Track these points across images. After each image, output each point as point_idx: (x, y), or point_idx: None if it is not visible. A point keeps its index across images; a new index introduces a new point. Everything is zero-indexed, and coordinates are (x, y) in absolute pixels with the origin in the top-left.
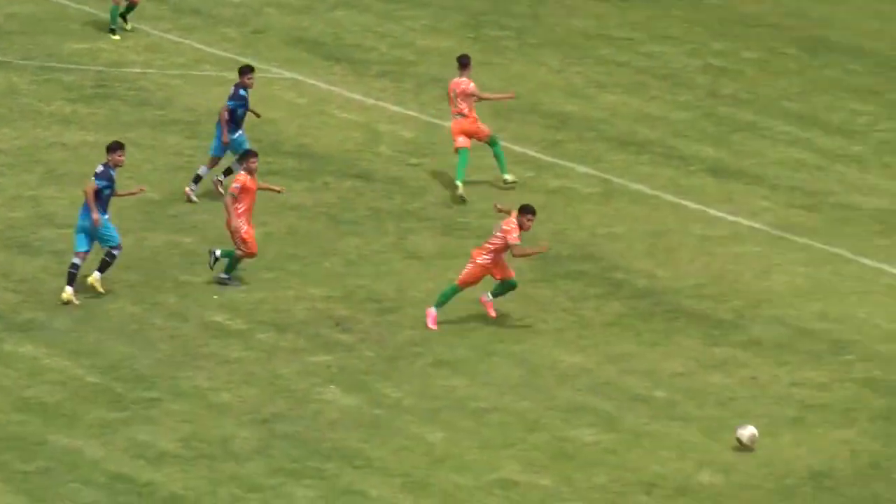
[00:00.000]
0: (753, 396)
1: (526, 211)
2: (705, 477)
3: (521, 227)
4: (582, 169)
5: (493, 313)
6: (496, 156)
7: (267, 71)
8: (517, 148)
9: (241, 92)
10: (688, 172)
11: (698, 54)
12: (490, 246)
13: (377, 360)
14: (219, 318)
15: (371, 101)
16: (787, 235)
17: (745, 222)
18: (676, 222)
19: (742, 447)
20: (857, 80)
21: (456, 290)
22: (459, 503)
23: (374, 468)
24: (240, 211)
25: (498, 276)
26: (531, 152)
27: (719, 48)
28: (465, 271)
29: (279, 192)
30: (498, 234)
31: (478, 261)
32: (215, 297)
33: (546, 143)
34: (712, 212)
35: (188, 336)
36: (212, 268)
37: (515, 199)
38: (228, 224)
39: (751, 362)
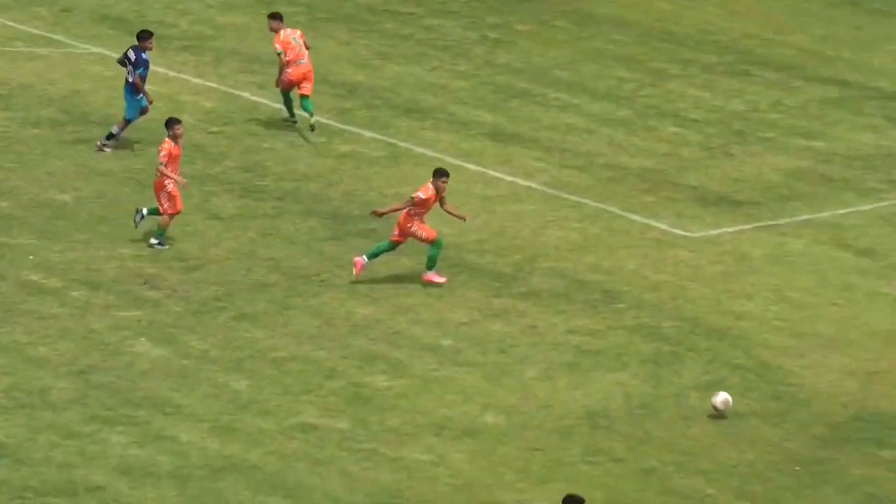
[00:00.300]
0: (533, 343)
1: (440, 174)
2: (489, 418)
3: (437, 190)
4: (370, 134)
5: (358, 271)
6: (306, 108)
7: (75, 47)
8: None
9: (143, 56)
10: (468, 137)
11: (475, 27)
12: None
13: (184, 315)
14: (35, 277)
15: (173, 74)
16: (561, 194)
17: (522, 182)
18: (459, 183)
19: (717, 413)
20: (622, 49)
21: (431, 243)
22: (263, 446)
23: (184, 414)
24: (171, 175)
25: (396, 237)
26: (322, 119)
27: (494, 21)
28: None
29: (183, 182)
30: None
31: (409, 229)
32: (31, 257)
33: (336, 111)
34: (492, 173)
35: (6, 294)
36: (136, 226)
37: (311, 164)
38: (162, 184)
39: (529, 312)
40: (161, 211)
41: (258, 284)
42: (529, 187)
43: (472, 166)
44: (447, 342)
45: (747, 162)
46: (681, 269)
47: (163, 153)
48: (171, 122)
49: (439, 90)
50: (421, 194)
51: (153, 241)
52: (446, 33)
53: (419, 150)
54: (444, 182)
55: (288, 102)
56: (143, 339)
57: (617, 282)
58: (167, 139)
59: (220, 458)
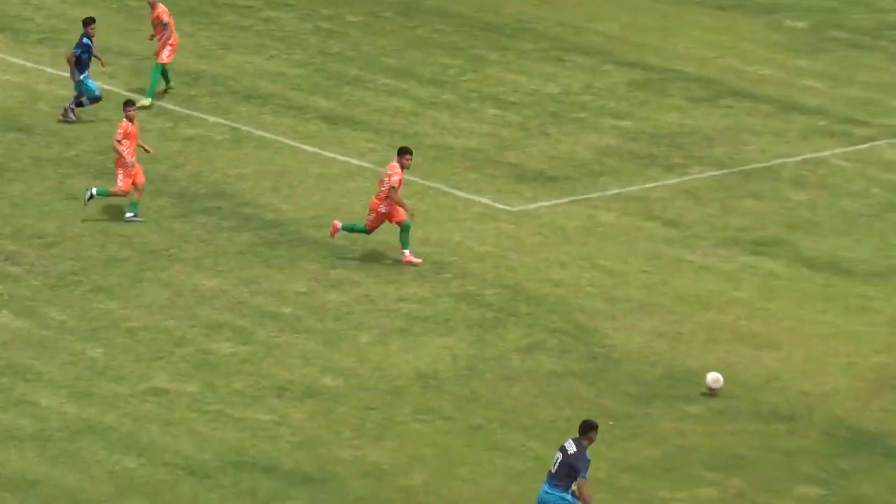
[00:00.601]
0: (367, 311)
1: (404, 152)
2: (327, 381)
3: (402, 167)
4: (213, 119)
5: (415, 260)
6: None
7: None
8: (157, 102)
9: (85, 40)
10: (304, 120)
11: (310, 19)
12: (382, 194)
13: (42, 288)
14: None
15: (30, 65)
16: None
17: (355, 162)
18: (296, 163)
19: (710, 392)
20: (445, 38)
21: (364, 232)
22: (117, 409)
23: (44, 381)
24: (125, 152)
25: (393, 220)
26: (169, 106)
27: (327, 13)
28: (368, 220)
29: (131, 163)
30: (385, 179)
31: (380, 210)
32: None
33: (181, 98)
34: (326, 153)
35: None
36: (85, 204)
37: (159, 147)
38: (122, 162)
39: (363, 282)
40: (116, 186)
41: (112, 259)
42: (361, 166)
43: (308, 148)
44: (288, 310)
45: (562, 141)
46: (502, 240)
47: (120, 131)
48: (126, 105)
49: (277, 77)
50: (395, 179)
51: (128, 214)
52: (283, 25)
53: (259, 133)
54: (408, 159)
55: (166, 73)
56: (4, 311)
57: (444, 253)
58: (125, 119)
59: (78, 420)
